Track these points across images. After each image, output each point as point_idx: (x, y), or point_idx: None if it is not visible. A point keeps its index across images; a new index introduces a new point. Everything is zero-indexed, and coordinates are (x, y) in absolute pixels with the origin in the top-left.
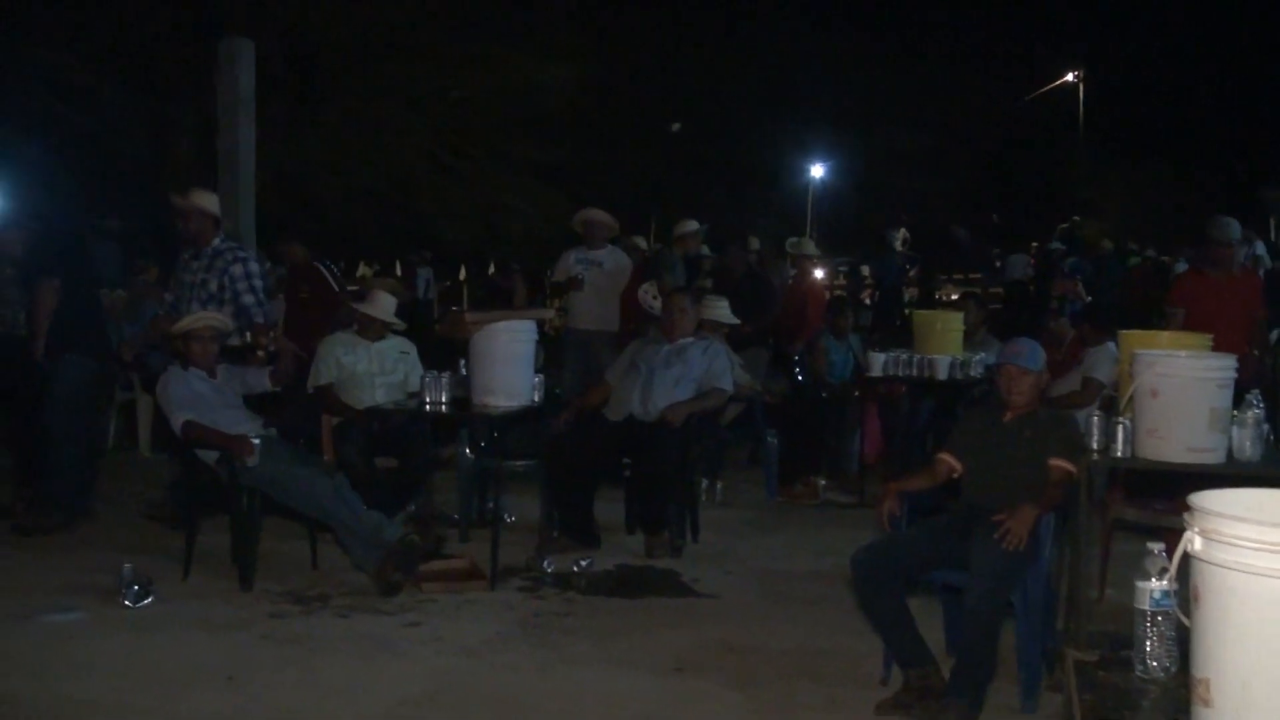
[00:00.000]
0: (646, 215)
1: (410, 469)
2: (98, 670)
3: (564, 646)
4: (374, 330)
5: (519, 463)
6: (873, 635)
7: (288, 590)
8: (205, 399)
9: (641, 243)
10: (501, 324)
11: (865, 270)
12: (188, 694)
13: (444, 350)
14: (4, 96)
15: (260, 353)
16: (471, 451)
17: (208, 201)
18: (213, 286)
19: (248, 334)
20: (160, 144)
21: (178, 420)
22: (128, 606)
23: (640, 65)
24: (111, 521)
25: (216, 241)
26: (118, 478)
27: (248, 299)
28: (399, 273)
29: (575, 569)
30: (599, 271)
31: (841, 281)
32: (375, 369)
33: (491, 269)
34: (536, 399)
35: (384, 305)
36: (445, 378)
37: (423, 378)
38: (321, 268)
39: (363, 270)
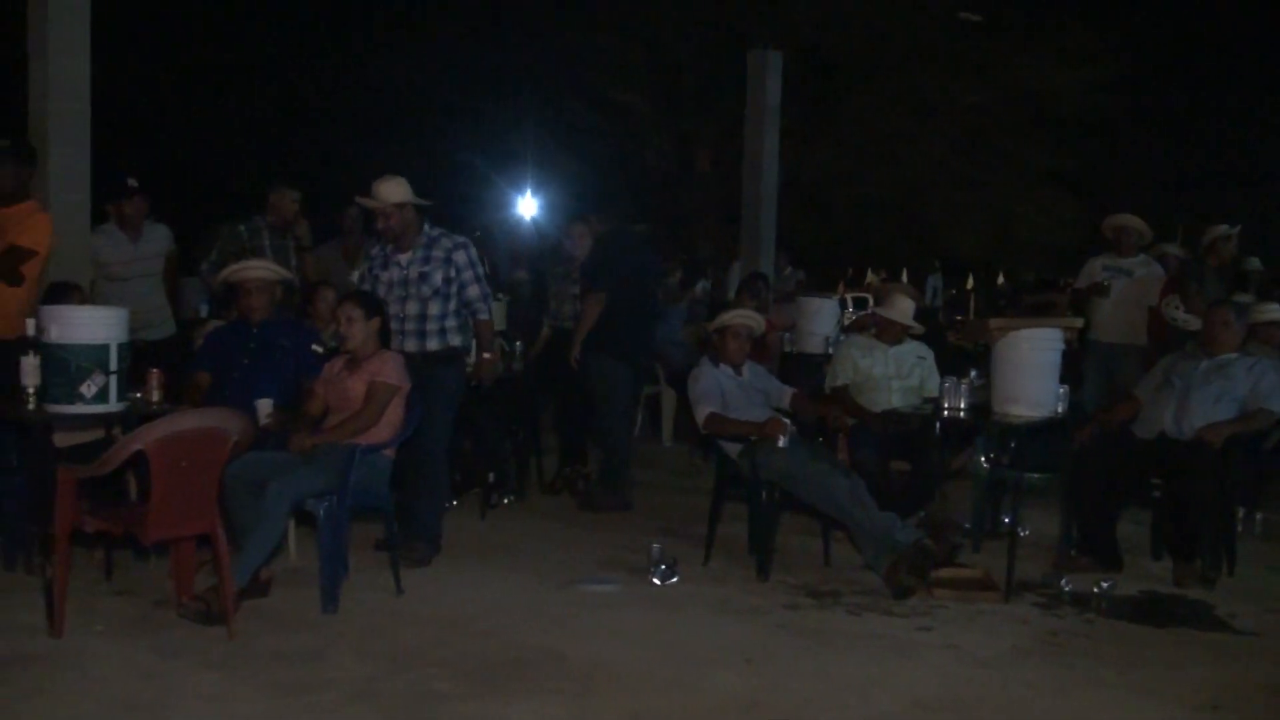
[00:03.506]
0: (1173, 222)
1: (924, 474)
2: (627, 639)
3: (1084, 669)
4: (892, 333)
5: (1037, 475)
6: None
7: (802, 584)
8: (731, 395)
9: (1173, 250)
10: (1026, 331)
11: None
12: (709, 671)
13: (954, 357)
14: (549, 114)
15: (487, 355)
16: (987, 461)
17: (399, 192)
18: (437, 280)
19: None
20: (681, 154)
21: (702, 413)
22: (655, 584)
23: (1165, 65)
24: (640, 504)
25: (428, 229)
26: (644, 465)
27: (472, 291)
28: (905, 279)
29: (1096, 590)
30: (1128, 280)
31: None
32: (892, 372)
33: (1000, 278)
34: (1060, 410)
35: (903, 309)
36: (965, 384)
37: (943, 383)
38: None
39: (870, 277)
